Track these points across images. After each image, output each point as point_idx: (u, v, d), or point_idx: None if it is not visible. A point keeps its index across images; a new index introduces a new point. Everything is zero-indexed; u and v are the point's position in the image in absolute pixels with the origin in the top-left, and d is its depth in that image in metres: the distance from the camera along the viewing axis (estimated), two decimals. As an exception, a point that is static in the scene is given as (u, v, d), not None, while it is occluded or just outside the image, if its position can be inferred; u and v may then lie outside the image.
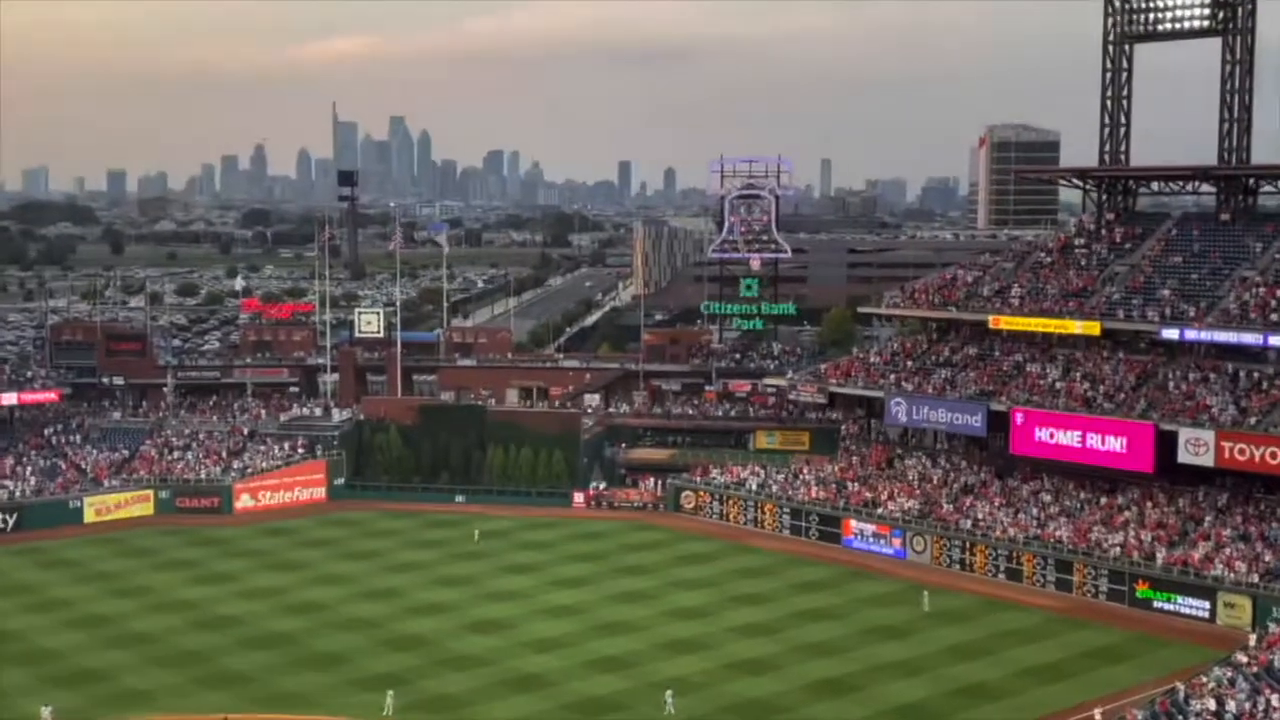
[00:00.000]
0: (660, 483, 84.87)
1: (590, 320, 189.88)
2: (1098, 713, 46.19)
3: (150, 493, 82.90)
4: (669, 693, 48.27)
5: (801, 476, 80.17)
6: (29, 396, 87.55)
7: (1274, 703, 41.25)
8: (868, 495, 76.07)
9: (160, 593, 64.76)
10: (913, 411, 78.40)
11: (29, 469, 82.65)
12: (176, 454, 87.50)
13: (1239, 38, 77.67)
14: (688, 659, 54.24)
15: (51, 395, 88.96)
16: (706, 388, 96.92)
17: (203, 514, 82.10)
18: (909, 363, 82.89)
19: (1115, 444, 67.91)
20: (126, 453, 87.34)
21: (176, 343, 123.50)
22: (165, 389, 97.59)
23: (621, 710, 48.74)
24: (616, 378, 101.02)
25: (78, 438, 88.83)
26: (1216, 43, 78.63)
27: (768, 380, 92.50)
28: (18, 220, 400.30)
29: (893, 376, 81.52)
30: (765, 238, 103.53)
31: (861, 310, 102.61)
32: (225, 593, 64.66)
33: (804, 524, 76.49)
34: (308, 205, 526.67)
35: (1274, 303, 68.46)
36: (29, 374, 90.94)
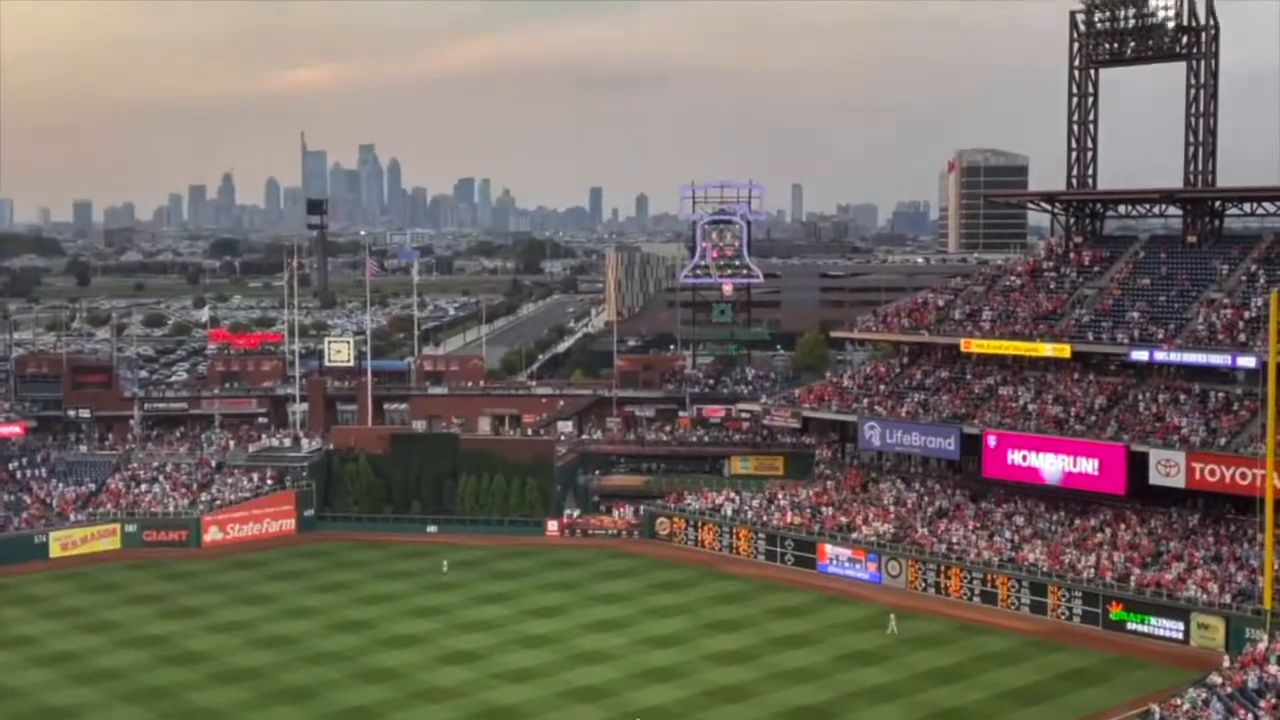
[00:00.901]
0: (635, 510, 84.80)
1: (563, 347, 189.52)
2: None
3: (117, 526, 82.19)
4: None
5: (776, 502, 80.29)
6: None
7: (1248, 723, 41.48)
8: (842, 520, 76.22)
9: (127, 628, 64.14)
10: (886, 435, 78.70)
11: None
12: (144, 487, 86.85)
13: (1203, 62, 78.62)
14: (664, 688, 54.10)
15: (16, 429, 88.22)
16: (680, 414, 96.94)
17: (170, 547, 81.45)
18: (882, 386, 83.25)
19: (1090, 466, 68.40)
20: (93, 486, 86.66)
21: (143, 374, 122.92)
22: (132, 421, 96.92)
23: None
24: (590, 404, 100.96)
25: (43, 471, 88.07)
26: (1181, 67, 79.69)
27: (741, 405, 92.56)
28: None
29: (866, 400, 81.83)
30: (737, 263, 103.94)
31: (834, 335, 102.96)
32: (194, 627, 64.12)
33: (779, 549, 76.52)
34: (276, 234, 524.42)
35: (1241, 324, 69.17)
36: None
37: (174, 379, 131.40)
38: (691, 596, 69.53)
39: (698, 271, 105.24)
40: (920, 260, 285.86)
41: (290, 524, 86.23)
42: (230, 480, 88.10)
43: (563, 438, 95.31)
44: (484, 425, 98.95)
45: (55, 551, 79.46)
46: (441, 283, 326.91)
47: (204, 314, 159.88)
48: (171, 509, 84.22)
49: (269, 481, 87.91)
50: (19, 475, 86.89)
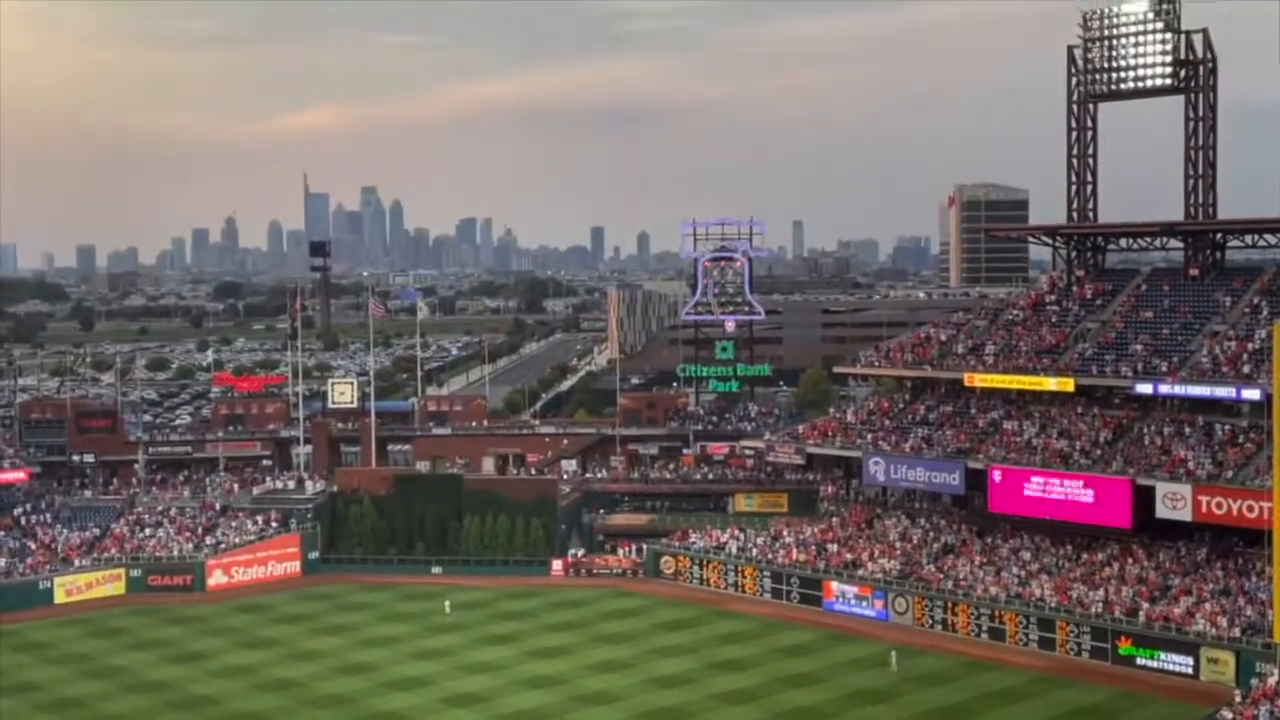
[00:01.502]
0: (639, 548, 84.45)
1: (566, 385, 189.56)
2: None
3: (122, 571, 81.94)
4: None
5: (781, 539, 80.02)
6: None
7: (1261, 758, 41.16)
8: (848, 556, 75.96)
9: (133, 673, 63.86)
10: (891, 471, 78.58)
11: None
12: (148, 531, 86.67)
13: (1201, 95, 79.07)
14: (670, 729, 53.78)
15: (21, 475, 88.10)
16: (684, 451, 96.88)
17: (175, 592, 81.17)
18: (886, 422, 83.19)
19: (1092, 498, 68.21)
20: (97, 531, 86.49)
21: (147, 418, 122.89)
22: (136, 465, 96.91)
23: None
24: (593, 443, 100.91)
25: (48, 516, 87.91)
26: (1180, 100, 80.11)
27: (745, 442, 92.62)
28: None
29: (870, 436, 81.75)
30: (739, 299, 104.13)
31: (837, 370, 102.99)
32: (199, 672, 63.82)
33: (785, 587, 76.20)
34: (280, 277, 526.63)
35: (1245, 356, 69.13)
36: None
37: (178, 423, 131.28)
38: (697, 636, 69.18)
39: (700, 308, 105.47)
40: (922, 295, 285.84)
41: (295, 566, 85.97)
42: (234, 523, 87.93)
43: (566, 476, 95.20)
44: (488, 465, 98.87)
45: (60, 597, 79.15)
46: (444, 323, 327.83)
47: (207, 357, 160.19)
48: (176, 553, 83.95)
49: (273, 524, 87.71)
50: (24, 521, 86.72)
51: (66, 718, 56.95)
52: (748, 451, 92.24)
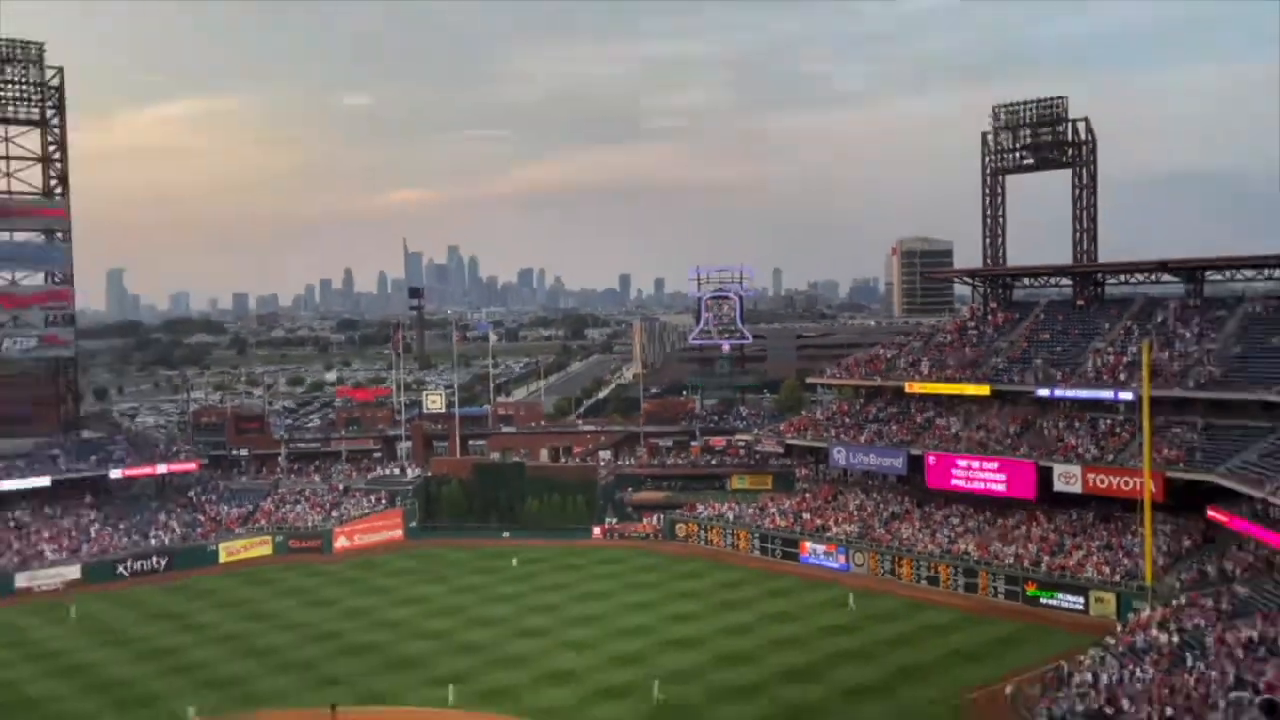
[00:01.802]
0: (659, 518, 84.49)
1: (602, 394, 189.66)
2: (1008, 687, 45.73)
3: (269, 537, 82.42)
4: (656, 682, 47.89)
5: (767, 509, 79.84)
6: (175, 466, 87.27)
7: (1136, 674, 40.90)
8: (818, 522, 75.72)
9: (279, 616, 64.27)
10: (850, 457, 78.41)
11: (175, 522, 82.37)
12: (289, 507, 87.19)
13: (1084, 168, 79.08)
14: (684, 654, 53.65)
15: (192, 465, 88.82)
16: (692, 443, 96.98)
17: (309, 553, 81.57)
18: (846, 420, 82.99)
19: (1005, 479, 67.93)
20: (250, 507, 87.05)
21: (288, 422, 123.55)
22: (279, 457, 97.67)
23: (633, 696, 48.13)
24: (623, 438, 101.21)
25: (213, 496, 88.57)
26: (1068, 173, 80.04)
27: (738, 436, 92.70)
28: (167, 332, 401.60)
29: (834, 430, 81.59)
30: (733, 328, 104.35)
31: (808, 381, 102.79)
32: (328, 614, 64.12)
33: (770, 545, 76.00)
34: (385, 314, 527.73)
35: (1121, 367, 68.82)
36: (175, 449, 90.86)
37: (310, 425, 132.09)
38: (703, 583, 69.06)
39: (703, 335, 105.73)
40: (872, 323, 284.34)
41: (399, 533, 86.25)
42: (353, 501, 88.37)
43: (603, 463, 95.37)
44: (544, 455, 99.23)
45: (223, 557, 79.74)
46: (509, 348, 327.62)
47: (332, 375, 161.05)
48: (310, 523, 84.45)
49: (383, 501, 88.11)
50: (195, 500, 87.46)
51: (230, 649, 57.33)
52: (740, 443, 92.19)
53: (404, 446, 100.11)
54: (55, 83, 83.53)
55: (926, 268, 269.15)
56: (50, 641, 59.70)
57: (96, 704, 48.96)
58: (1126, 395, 65.84)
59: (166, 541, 79.48)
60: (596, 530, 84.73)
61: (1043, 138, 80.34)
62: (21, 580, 71.94)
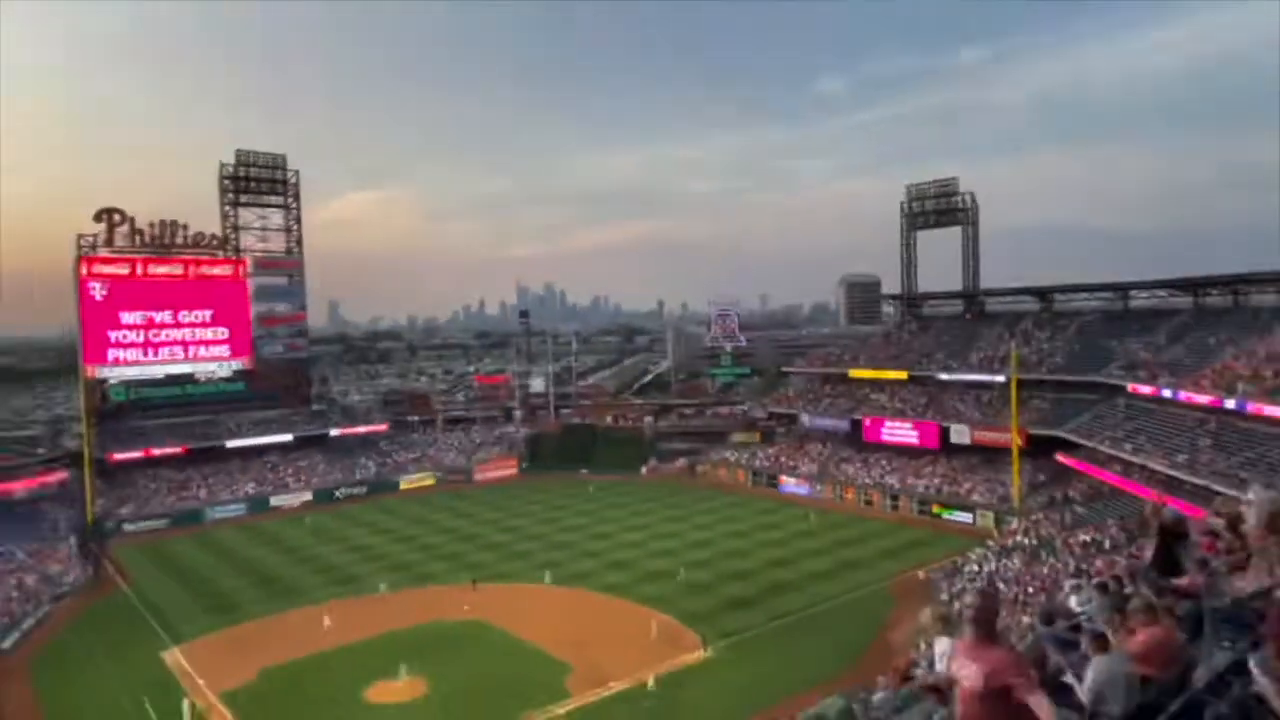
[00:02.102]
0: (685, 462, 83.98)
1: (646, 379, 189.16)
2: (921, 573, 45.03)
3: (431, 474, 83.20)
4: (682, 569, 47.59)
5: (757, 455, 79.12)
6: (371, 428, 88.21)
7: (1008, 565, 40.01)
8: (791, 464, 74.93)
9: (437, 523, 64.90)
10: (813, 421, 77.44)
11: (372, 464, 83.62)
12: (444, 454, 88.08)
13: (971, 226, 77.28)
14: (701, 551, 53.51)
15: (383, 427, 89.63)
16: (706, 411, 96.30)
17: (457, 483, 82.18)
18: (810, 395, 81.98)
19: (917, 434, 66.66)
20: (419, 454, 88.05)
21: (443, 399, 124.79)
22: (438, 421, 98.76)
23: (667, 578, 48.01)
24: (660, 408, 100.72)
25: (397, 446, 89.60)
26: (959, 229, 78.27)
27: (738, 406, 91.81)
28: (366, 341, 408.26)
29: (801, 402, 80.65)
30: (733, 335, 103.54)
31: (784, 370, 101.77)
32: (470, 523, 64.69)
33: (760, 479, 75.34)
34: (505, 328, 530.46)
35: (996, 360, 67.21)
36: (371, 416, 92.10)
37: (458, 400, 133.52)
38: (714, 504, 68.58)
39: (713, 340, 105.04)
40: (827, 330, 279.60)
41: (514, 470, 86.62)
42: (485, 449, 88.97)
43: (647, 425, 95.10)
44: (608, 419, 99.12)
45: (404, 486, 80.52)
46: (584, 349, 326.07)
47: (471, 368, 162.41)
48: (459, 465, 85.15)
49: (504, 448, 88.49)
50: (383, 449, 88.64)
51: (407, 545, 58.00)
52: (740, 410, 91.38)
53: (518, 413, 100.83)
54: (293, 180, 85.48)
55: (863, 293, 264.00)
56: (292, 540, 61.09)
57: (322, 580, 50.13)
58: (1000, 378, 64.32)
59: (366, 476, 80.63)
60: (644, 469, 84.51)
61: (941, 205, 78.77)
62: (275, 501, 73.70)
